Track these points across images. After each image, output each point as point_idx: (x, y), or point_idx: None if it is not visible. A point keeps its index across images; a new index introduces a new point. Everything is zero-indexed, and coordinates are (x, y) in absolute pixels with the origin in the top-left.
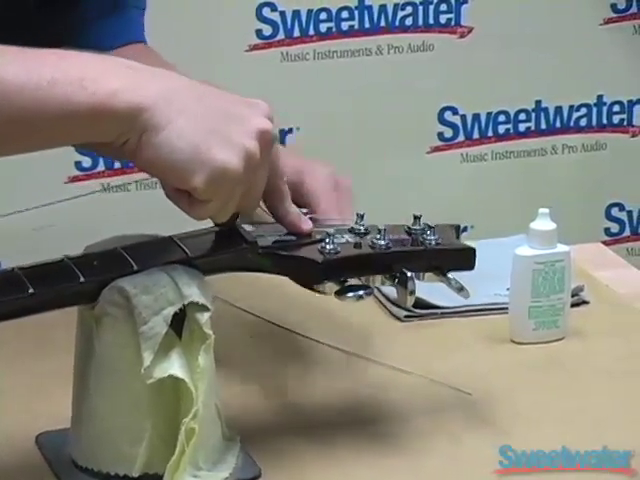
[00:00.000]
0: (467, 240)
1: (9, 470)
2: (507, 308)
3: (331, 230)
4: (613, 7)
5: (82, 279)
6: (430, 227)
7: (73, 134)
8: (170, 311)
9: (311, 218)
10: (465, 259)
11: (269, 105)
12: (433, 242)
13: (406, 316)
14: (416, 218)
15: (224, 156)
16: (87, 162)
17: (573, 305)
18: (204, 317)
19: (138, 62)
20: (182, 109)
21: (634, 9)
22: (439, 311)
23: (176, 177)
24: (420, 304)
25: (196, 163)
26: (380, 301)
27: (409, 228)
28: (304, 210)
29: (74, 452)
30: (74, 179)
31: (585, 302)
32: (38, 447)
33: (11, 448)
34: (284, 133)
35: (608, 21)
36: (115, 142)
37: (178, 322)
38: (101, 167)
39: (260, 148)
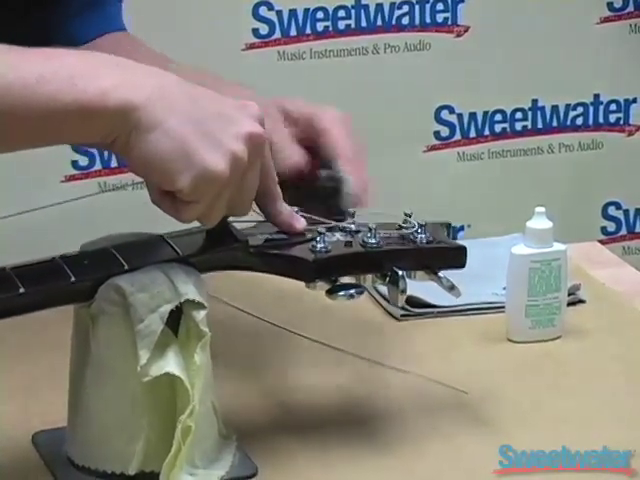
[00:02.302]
0: (463, 239)
1: (5, 469)
2: (504, 307)
3: (322, 229)
4: (609, 6)
5: (73, 278)
6: (421, 225)
7: (62, 132)
8: (166, 309)
9: (303, 216)
10: (456, 257)
11: (260, 107)
12: (424, 240)
13: (403, 315)
14: (407, 216)
15: (211, 159)
16: (83, 161)
17: (569, 304)
18: (200, 315)
19: (120, 48)
20: (173, 108)
21: (630, 8)
22: (436, 310)
23: (162, 177)
24: (417, 303)
25: (183, 164)
26: (376, 300)
27: (400, 226)
28: (295, 208)
29: (70, 450)
30: (70, 178)
31: (581, 301)
32: (34, 446)
33: (7, 447)
34: None
35: (604, 20)
36: (104, 140)
37: (174, 320)
38: (98, 166)
39: (249, 152)
